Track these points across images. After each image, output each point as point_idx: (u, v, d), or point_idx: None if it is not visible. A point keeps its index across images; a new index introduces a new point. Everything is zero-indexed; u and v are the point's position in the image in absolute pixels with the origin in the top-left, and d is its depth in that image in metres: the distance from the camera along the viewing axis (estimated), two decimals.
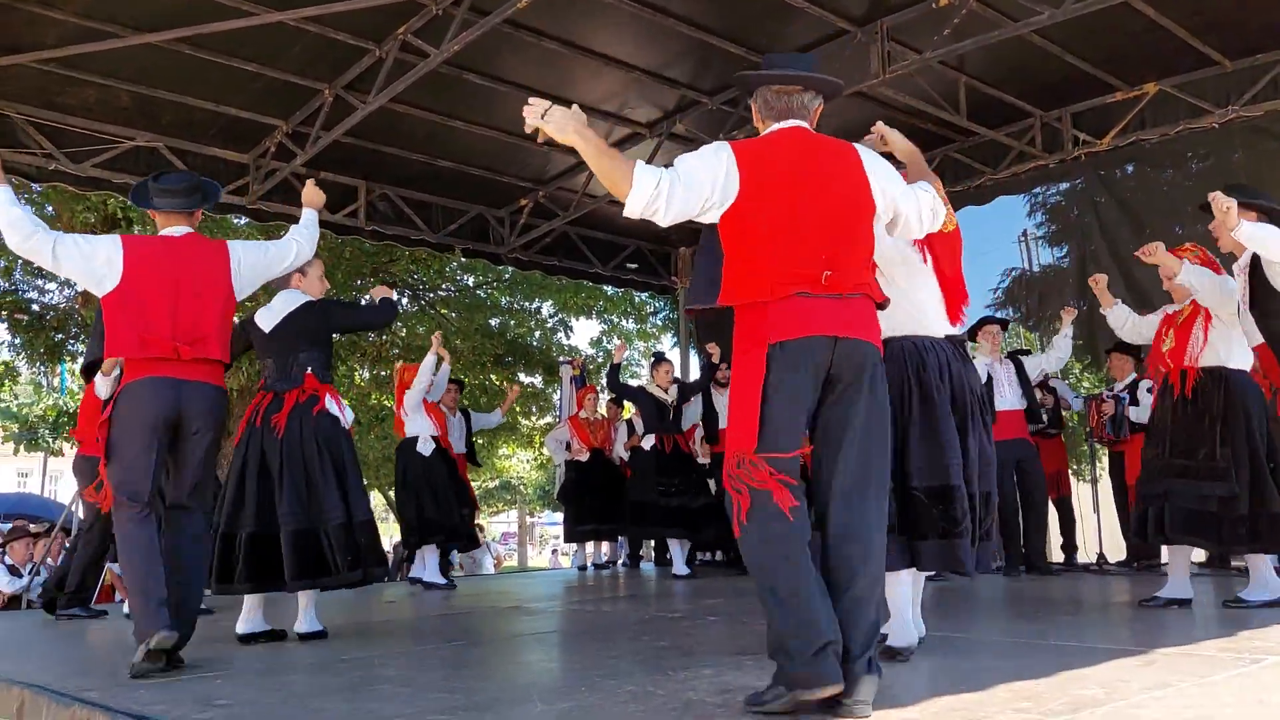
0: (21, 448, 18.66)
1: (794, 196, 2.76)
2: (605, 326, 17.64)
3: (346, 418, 4.58)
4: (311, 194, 4.50)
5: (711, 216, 2.82)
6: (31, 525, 10.47)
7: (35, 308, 13.88)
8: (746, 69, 7.48)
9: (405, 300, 14.98)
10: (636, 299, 16.43)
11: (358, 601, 6.81)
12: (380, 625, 5.30)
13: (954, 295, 3.56)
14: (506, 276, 15.26)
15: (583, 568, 9.68)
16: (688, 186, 2.74)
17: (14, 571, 8.63)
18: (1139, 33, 7.04)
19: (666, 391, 8.34)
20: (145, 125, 8.00)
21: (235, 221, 10.96)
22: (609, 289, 15.16)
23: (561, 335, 16.83)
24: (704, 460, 8.76)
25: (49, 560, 8.95)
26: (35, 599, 8.55)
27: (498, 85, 7.58)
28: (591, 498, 9.07)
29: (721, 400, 8.30)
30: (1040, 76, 7.75)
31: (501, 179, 9.44)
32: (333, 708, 2.75)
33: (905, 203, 2.95)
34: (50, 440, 17.86)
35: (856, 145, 2.97)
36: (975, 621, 4.49)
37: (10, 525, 10.64)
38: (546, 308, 16.91)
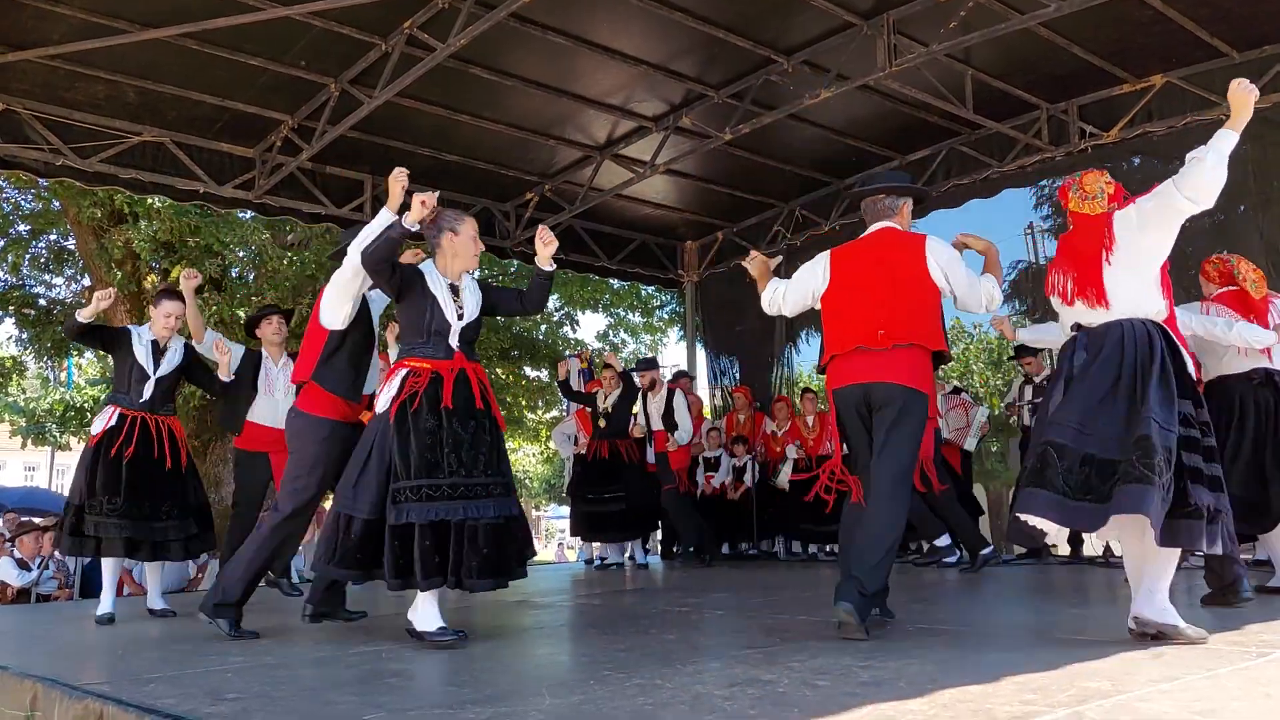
0: (29, 442, 18.72)
1: (864, 281, 4.01)
2: (611, 320, 17.65)
3: (383, 400, 4.03)
4: (410, 209, 4.10)
5: (816, 303, 4.21)
6: (37, 519, 10.51)
7: (42, 302, 13.93)
8: (754, 64, 7.53)
9: None
10: (643, 292, 16.43)
11: (363, 596, 6.82)
12: (386, 619, 5.30)
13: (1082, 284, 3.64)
14: (512, 270, 15.27)
15: (589, 561, 9.69)
16: (793, 288, 4.27)
17: (23, 565, 8.66)
18: (1146, 24, 7.03)
19: (607, 398, 8.59)
20: (151, 120, 8.02)
21: (241, 216, 10.97)
22: (615, 282, 15.17)
23: (568, 329, 16.84)
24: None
25: (57, 554, 8.98)
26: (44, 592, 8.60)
27: (504, 79, 7.59)
28: None
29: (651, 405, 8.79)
30: (1047, 69, 7.74)
31: (507, 173, 9.45)
32: (343, 701, 2.76)
33: (958, 286, 3.97)
34: (57, 435, 17.90)
35: (928, 237, 4.04)
36: (981, 614, 4.49)
37: (19, 519, 10.67)
38: (552, 301, 16.91)
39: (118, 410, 5.47)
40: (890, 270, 3.96)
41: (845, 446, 4.04)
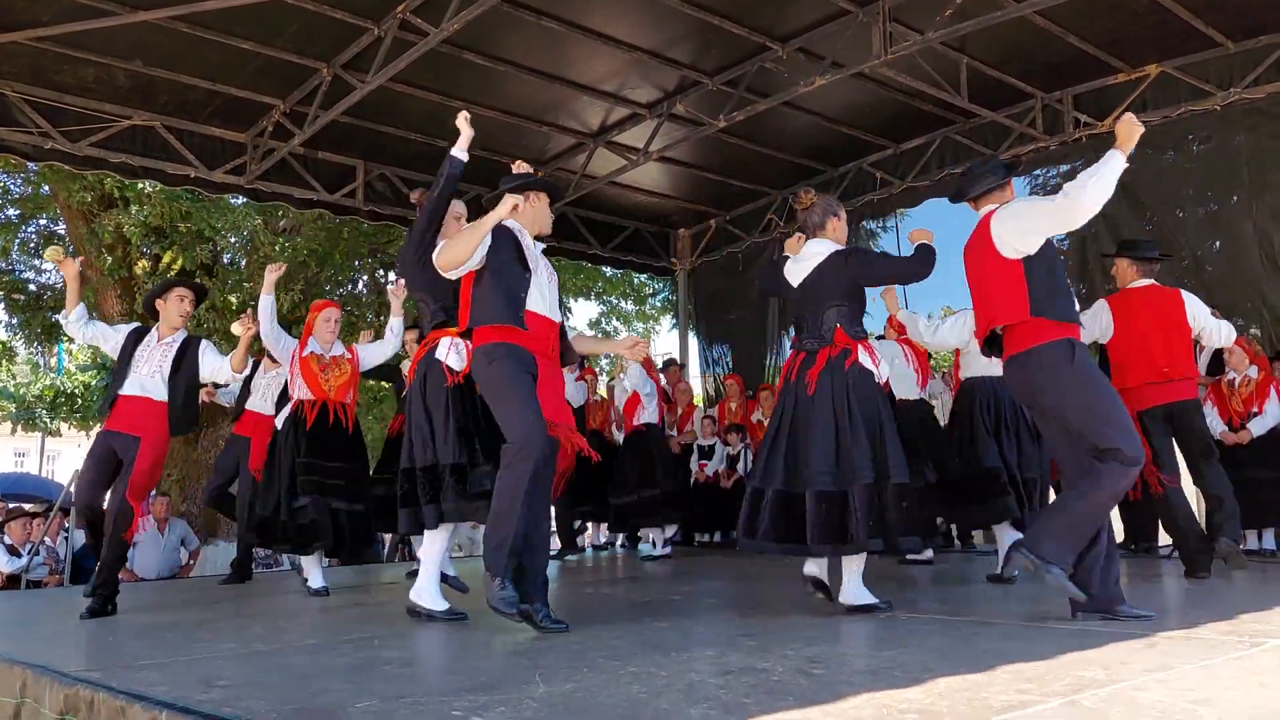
0: (19, 428, 18.66)
1: (1146, 329, 5.42)
2: (604, 308, 17.60)
3: (881, 372, 4.19)
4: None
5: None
6: (27, 505, 10.47)
7: (32, 288, 13.85)
8: (749, 51, 7.49)
9: (405, 281, 14.96)
10: (636, 280, 16.37)
11: (357, 583, 6.82)
12: (380, 606, 5.30)
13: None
14: None
15: (581, 549, 9.69)
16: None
17: (13, 551, 8.62)
18: (1141, 13, 7.02)
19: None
20: (142, 104, 7.96)
21: (233, 201, 10.90)
22: (608, 270, 15.11)
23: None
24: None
25: (47, 540, 8.95)
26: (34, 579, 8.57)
27: (497, 65, 7.54)
28: (589, 478, 9.06)
29: None
30: (1042, 58, 7.72)
31: (500, 159, 9.38)
32: (335, 688, 2.75)
33: (1208, 326, 5.49)
34: (48, 420, 17.83)
35: (1182, 293, 5.51)
36: (976, 603, 4.49)
37: (9, 505, 10.63)
38: None
39: None
40: (1163, 321, 5.47)
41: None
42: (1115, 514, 7.39)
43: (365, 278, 14.00)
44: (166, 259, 11.96)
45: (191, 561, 9.30)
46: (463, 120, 4.50)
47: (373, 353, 6.26)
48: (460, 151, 4.61)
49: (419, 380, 4.28)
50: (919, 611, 4.19)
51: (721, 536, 9.62)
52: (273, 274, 5.82)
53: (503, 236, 4.25)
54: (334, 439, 5.75)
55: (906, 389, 7.03)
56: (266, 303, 5.82)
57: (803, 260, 4.38)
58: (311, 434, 5.67)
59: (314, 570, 5.72)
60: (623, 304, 17.48)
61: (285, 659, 3.39)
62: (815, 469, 4.03)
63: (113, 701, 2.66)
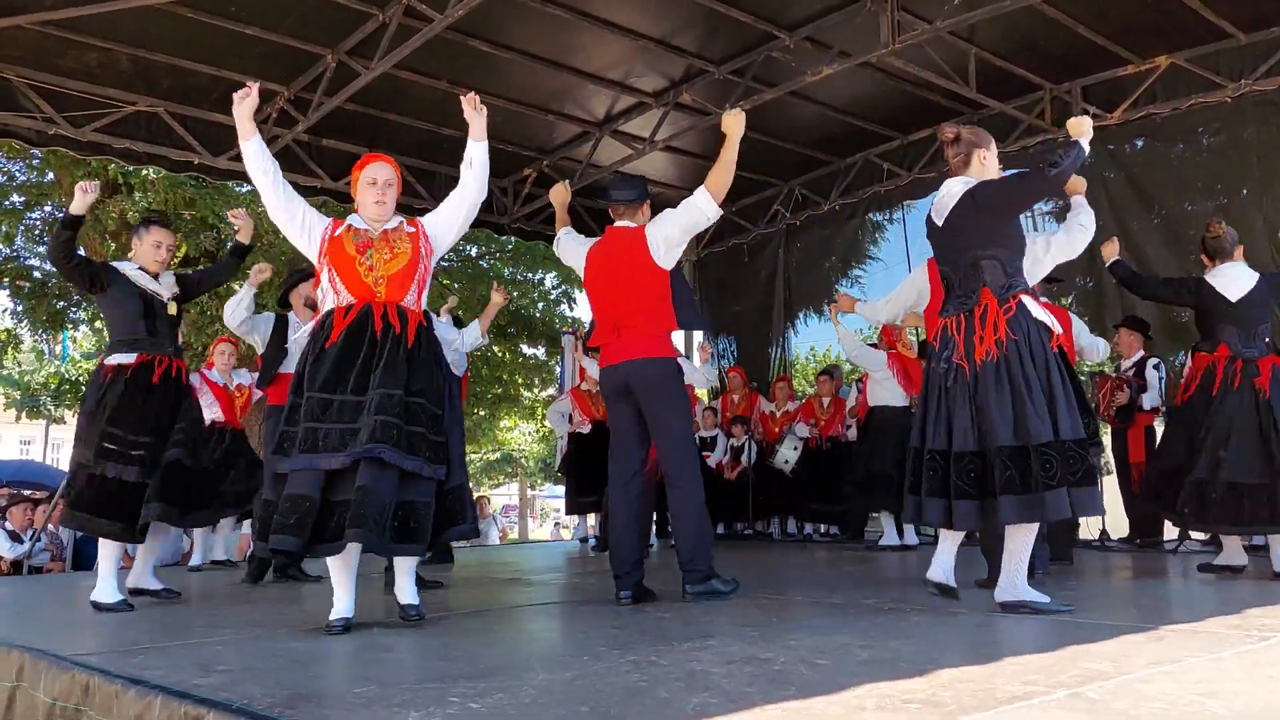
0: (24, 415, 18.68)
1: None
2: None
3: None
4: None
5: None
6: (34, 492, 10.48)
7: (37, 275, 13.85)
8: (756, 39, 7.44)
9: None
10: None
11: (361, 571, 6.79)
12: (379, 595, 5.27)
13: None
14: (509, 247, 15.20)
15: (584, 539, 9.67)
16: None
17: (14, 537, 8.63)
18: (1151, 4, 6.97)
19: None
20: (145, 90, 7.93)
21: (237, 188, 10.89)
22: None
23: (564, 306, 16.77)
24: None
25: (50, 526, 8.95)
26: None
27: (502, 52, 7.50)
28: (593, 469, 9.03)
29: None
30: (1051, 49, 7.66)
31: (505, 148, 9.36)
32: (333, 674, 2.73)
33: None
34: (52, 408, 17.86)
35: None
36: (978, 595, 4.46)
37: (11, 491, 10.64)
38: (549, 279, 16.83)
39: None
40: None
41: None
42: (1121, 509, 7.37)
43: None
44: (183, 250, 11.96)
45: (191, 549, 9.29)
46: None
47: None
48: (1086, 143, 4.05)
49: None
50: (919, 604, 4.15)
51: (724, 528, 9.59)
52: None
53: None
54: None
55: (890, 395, 7.60)
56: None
57: (1239, 279, 5.18)
58: None
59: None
60: None
61: (284, 645, 3.36)
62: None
63: (107, 686, 2.64)
